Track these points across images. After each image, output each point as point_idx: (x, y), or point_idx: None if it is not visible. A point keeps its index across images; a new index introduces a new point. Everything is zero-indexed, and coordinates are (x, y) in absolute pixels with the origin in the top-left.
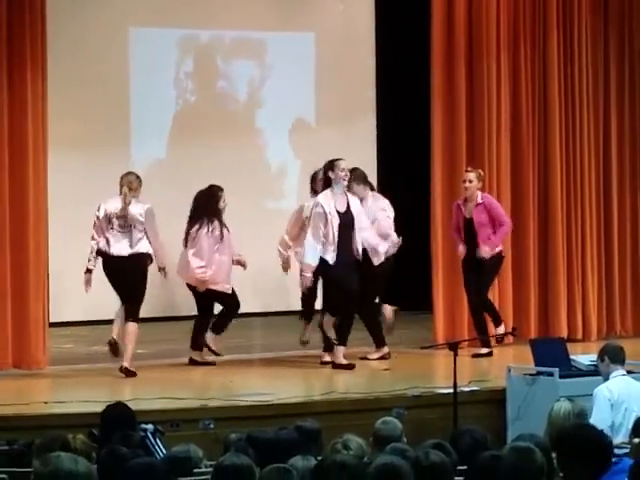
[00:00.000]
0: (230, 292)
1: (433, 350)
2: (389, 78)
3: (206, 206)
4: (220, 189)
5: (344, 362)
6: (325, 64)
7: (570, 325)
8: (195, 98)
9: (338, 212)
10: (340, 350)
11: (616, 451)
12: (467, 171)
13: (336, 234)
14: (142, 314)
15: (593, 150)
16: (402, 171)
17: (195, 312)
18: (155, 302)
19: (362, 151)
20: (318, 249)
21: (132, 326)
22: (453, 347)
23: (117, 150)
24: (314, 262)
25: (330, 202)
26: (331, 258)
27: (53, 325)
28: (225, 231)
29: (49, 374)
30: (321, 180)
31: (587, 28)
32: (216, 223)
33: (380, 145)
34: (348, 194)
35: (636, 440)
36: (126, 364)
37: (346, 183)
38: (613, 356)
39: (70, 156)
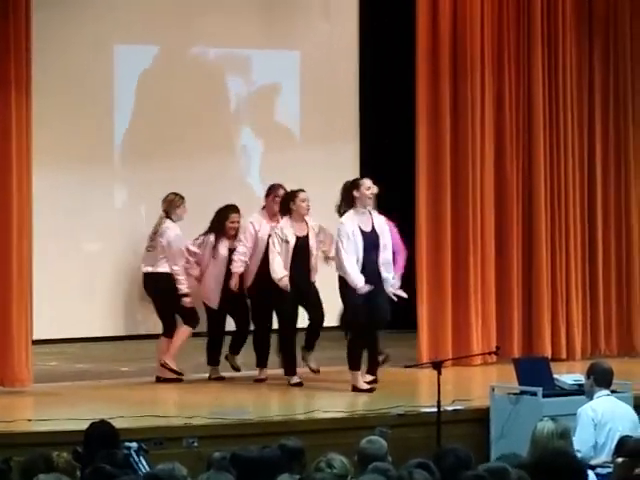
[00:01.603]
0: (215, 308)
1: (417, 369)
2: (373, 97)
3: (213, 223)
4: (232, 209)
5: (364, 387)
6: (310, 83)
7: (554, 344)
8: (180, 115)
9: (363, 232)
10: (357, 374)
11: (599, 470)
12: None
13: (361, 255)
14: (124, 332)
15: (577, 166)
16: (386, 191)
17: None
18: (140, 319)
19: (346, 169)
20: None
21: (164, 340)
22: (437, 366)
23: (101, 167)
24: (362, 280)
25: (354, 222)
26: None
27: (37, 342)
28: (221, 250)
29: (33, 392)
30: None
31: (572, 43)
32: (212, 238)
33: (363, 164)
34: (373, 213)
35: (619, 459)
36: (166, 359)
37: (372, 202)
38: (599, 378)
39: (54, 173)
